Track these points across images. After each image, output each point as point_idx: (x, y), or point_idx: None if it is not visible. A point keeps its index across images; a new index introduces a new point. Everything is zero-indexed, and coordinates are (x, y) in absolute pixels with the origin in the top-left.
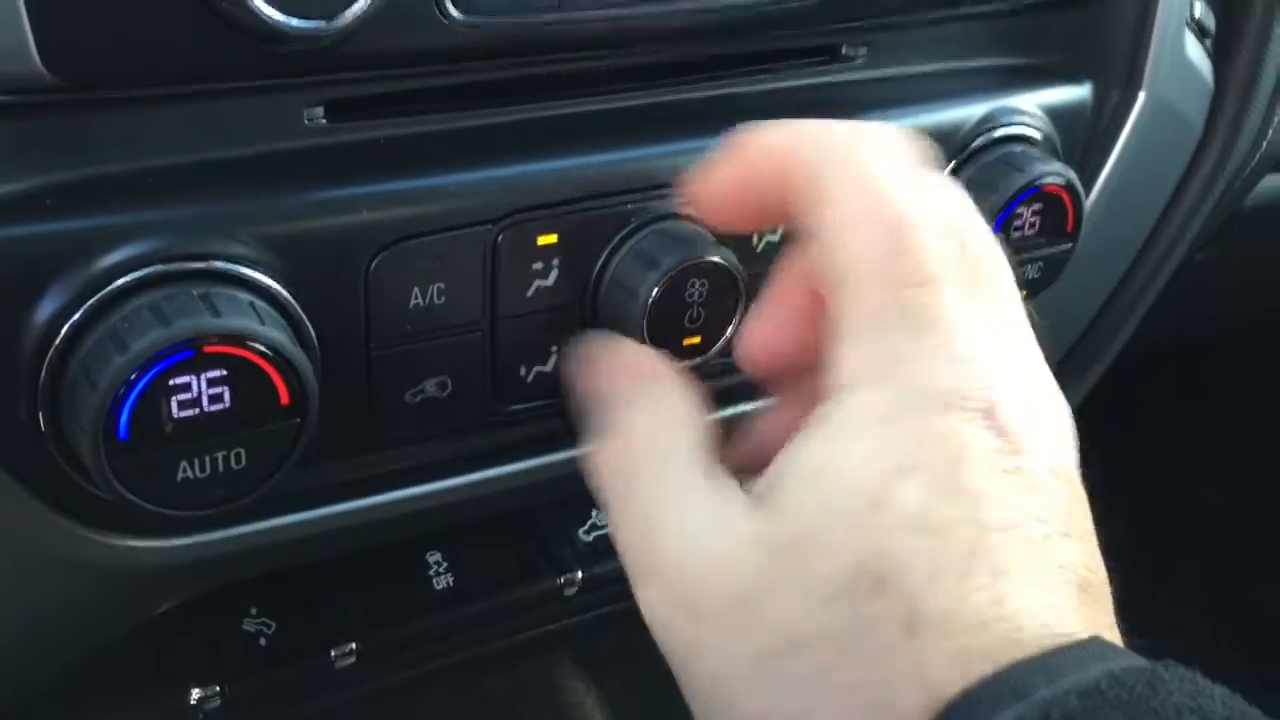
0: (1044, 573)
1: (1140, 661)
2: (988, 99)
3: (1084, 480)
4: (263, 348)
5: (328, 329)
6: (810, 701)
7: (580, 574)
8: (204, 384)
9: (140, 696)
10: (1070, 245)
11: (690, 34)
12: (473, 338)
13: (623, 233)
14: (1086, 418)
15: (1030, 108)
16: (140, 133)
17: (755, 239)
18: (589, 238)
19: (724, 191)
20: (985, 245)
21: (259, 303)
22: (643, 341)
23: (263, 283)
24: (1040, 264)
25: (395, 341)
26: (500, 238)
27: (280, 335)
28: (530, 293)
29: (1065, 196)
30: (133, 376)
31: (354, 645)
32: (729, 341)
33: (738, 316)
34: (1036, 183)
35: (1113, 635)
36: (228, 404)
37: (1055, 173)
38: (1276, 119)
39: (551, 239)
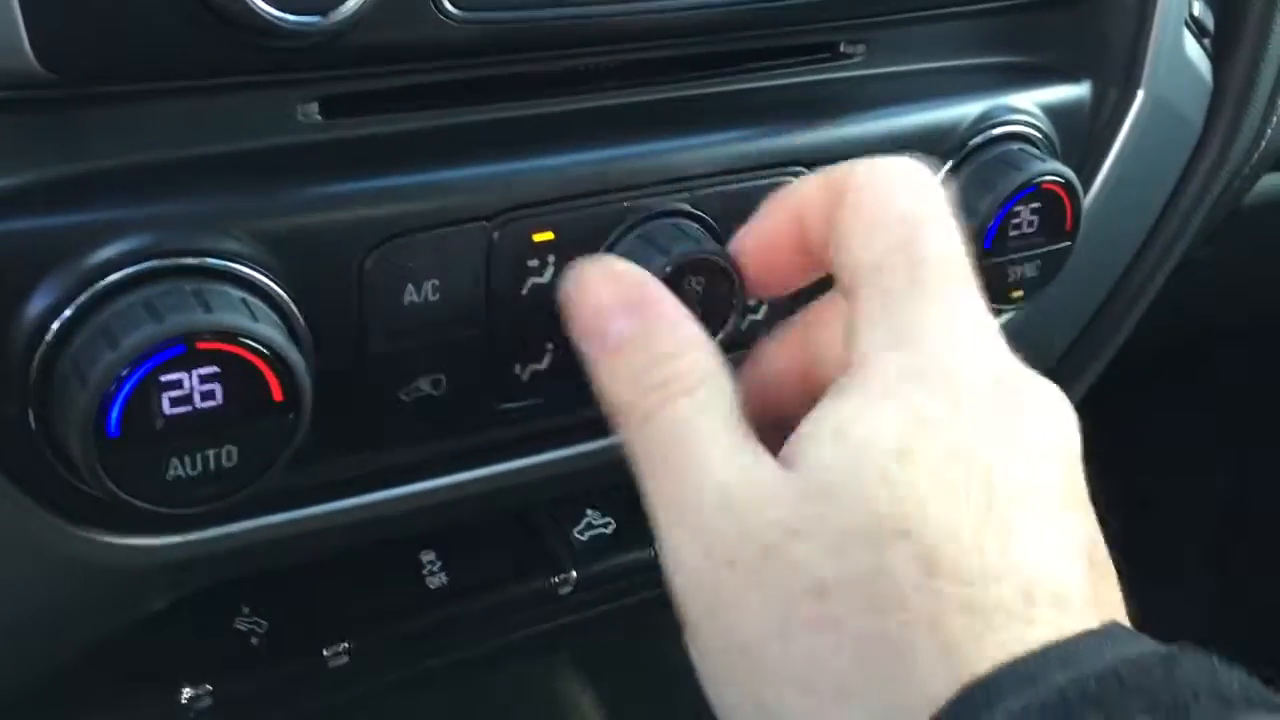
0: (1052, 536)
1: (1156, 645)
2: (986, 97)
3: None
4: (255, 344)
5: (321, 325)
6: (831, 650)
7: (575, 573)
8: (196, 380)
9: (131, 696)
10: (1069, 243)
11: (688, 31)
12: (468, 335)
13: (619, 229)
14: (1087, 415)
15: (1029, 106)
16: (133, 128)
17: None
18: (585, 235)
19: (765, 247)
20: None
21: (252, 299)
22: None
23: (256, 279)
24: (1039, 262)
25: (390, 338)
26: (496, 234)
27: (273, 332)
28: (526, 290)
29: (1063, 195)
30: (124, 373)
31: (346, 645)
32: (728, 336)
33: (735, 312)
34: (1034, 181)
35: (1120, 611)
36: (220, 401)
37: (1053, 171)
38: (1275, 118)
39: (548, 236)
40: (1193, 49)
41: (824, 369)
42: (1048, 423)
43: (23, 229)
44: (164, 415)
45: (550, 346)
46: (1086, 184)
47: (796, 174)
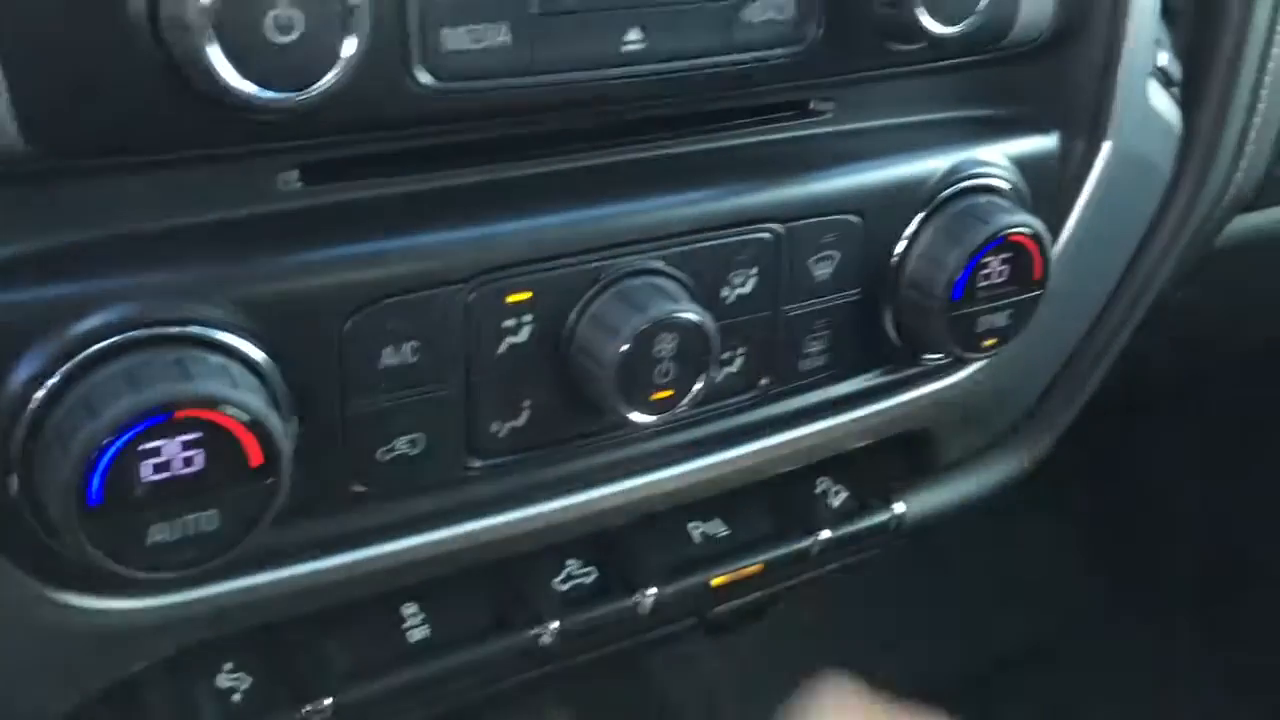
0: None
1: None
2: (955, 151)
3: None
4: (235, 411)
5: (302, 389)
6: None
7: (556, 624)
8: (177, 447)
9: None
10: (1039, 292)
11: (659, 94)
12: (446, 395)
13: (594, 289)
14: (1074, 452)
15: (997, 159)
16: (116, 200)
17: (727, 291)
18: (560, 295)
19: None
20: None
21: (233, 365)
22: (612, 396)
23: (237, 345)
24: (1009, 311)
25: (369, 400)
26: (473, 296)
27: (253, 398)
28: (502, 349)
29: (1032, 246)
30: (105, 442)
31: (329, 701)
32: (698, 395)
33: (708, 370)
34: (1002, 233)
35: None
36: (200, 467)
37: (1021, 223)
38: (1243, 162)
39: (523, 297)
40: (1160, 98)
41: None
42: None
43: (7, 301)
44: (145, 482)
45: (527, 404)
46: (1055, 233)
47: (770, 230)
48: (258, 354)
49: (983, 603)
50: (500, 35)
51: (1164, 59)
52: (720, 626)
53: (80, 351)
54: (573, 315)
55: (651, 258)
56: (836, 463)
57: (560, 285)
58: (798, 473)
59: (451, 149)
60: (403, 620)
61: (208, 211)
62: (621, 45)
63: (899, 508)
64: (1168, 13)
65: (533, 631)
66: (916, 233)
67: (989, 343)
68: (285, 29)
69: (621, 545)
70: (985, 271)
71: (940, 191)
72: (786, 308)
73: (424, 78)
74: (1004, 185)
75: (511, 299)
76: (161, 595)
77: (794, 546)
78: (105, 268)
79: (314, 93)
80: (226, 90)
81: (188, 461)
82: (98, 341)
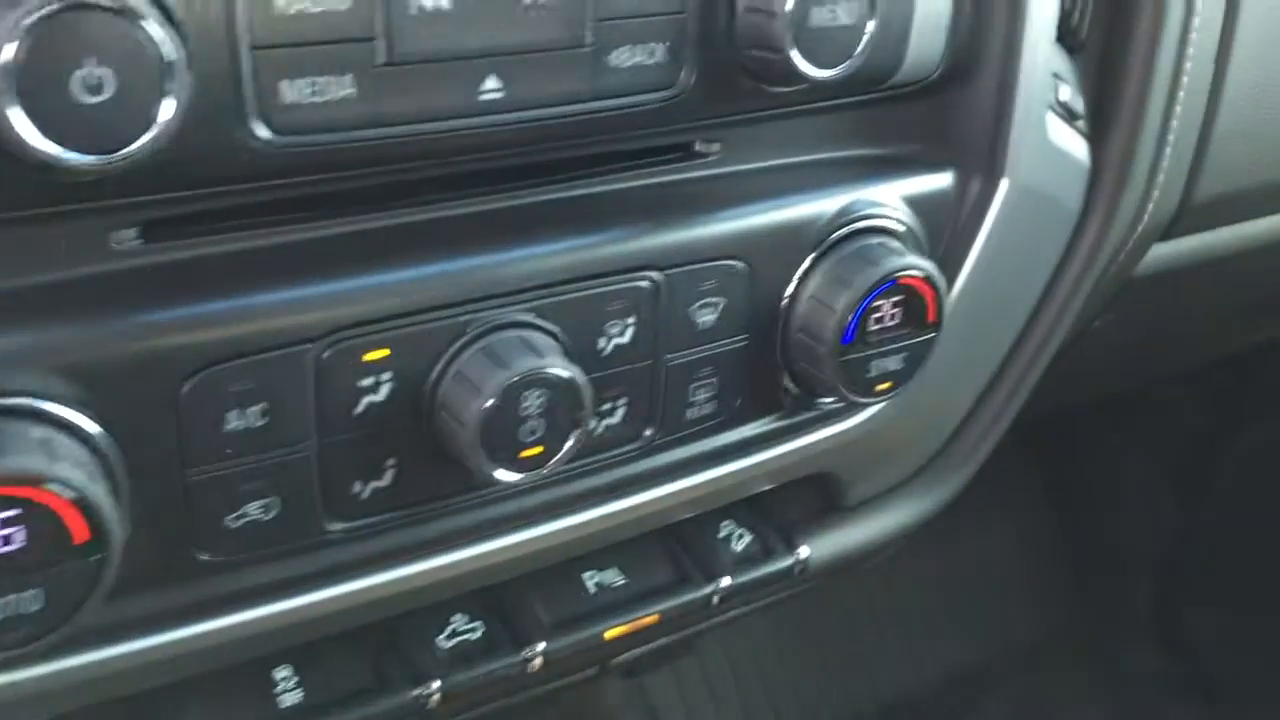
0: None
1: None
2: (846, 191)
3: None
4: (57, 487)
5: (139, 456)
6: None
7: (439, 683)
8: None
9: None
10: (933, 335)
11: (523, 142)
12: (298, 458)
13: (457, 345)
14: (1036, 470)
15: (890, 199)
16: None
17: (603, 342)
18: (421, 352)
19: None
20: None
21: (58, 437)
22: (476, 455)
23: (62, 416)
24: (903, 354)
25: (213, 466)
26: (326, 354)
27: (76, 473)
28: (360, 409)
29: (924, 288)
30: None
31: None
32: (577, 448)
33: (580, 427)
34: (893, 276)
35: None
36: (20, 545)
37: (912, 265)
38: (1156, 192)
39: (380, 354)
40: (1062, 133)
41: None
42: None
43: None
44: None
45: (391, 464)
46: (954, 272)
47: (648, 278)
48: (87, 423)
49: (935, 618)
50: (343, 88)
51: (1066, 93)
52: (634, 671)
53: None
54: (435, 372)
55: (521, 310)
56: (743, 505)
57: (420, 342)
58: (702, 516)
59: (303, 202)
60: (274, 684)
61: (35, 274)
62: (478, 95)
63: (804, 551)
64: (1071, 46)
65: (415, 692)
66: (806, 276)
67: (882, 387)
68: (94, 89)
69: (511, 598)
70: (877, 315)
71: (830, 233)
72: (669, 357)
73: (261, 132)
74: (897, 226)
75: (368, 357)
76: None
77: (693, 595)
78: None
79: (126, 155)
80: (26, 151)
81: (6, 540)
82: None
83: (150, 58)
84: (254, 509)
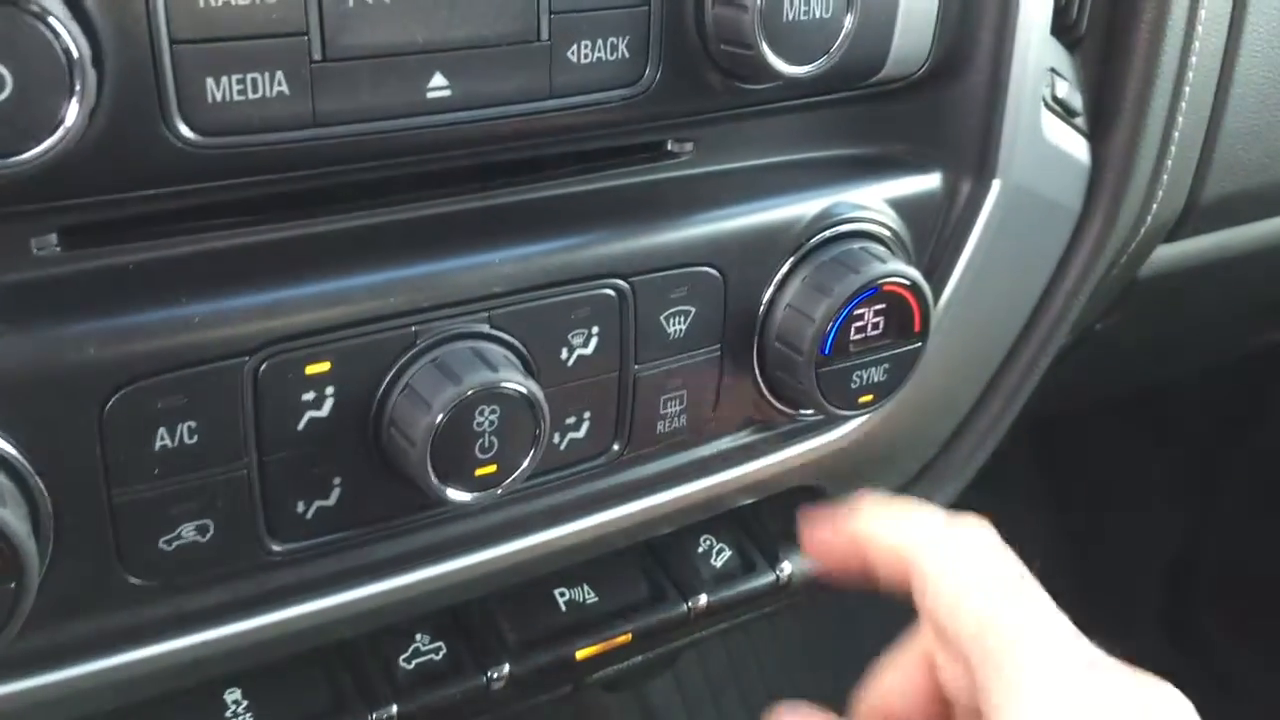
0: None
1: None
2: (826, 193)
3: (1034, 536)
4: None
5: (60, 478)
6: None
7: (397, 708)
8: None
9: None
10: (919, 345)
11: (474, 143)
12: (234, 477)
13: (406, 357)
14: (1042, 473)
15: (873, 201)
16: None
17: (565, 353)
18: (367, 365)
19: (830, 550)
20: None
21: None
22: (426, 473)
23: None
24: (887, 366)
25: (141, 487)
26: (263, 368)
27: None
28: (302, 425)
29: (909, 296)
30: None
31: None
32: (526, 470)
33: (537, 444)
34: (875, 283)
35: None
36: None
37: (895, 273)
38: (1160, 192)
39: (323, 367)
40: (1058, 132)
41: (959, 702)
42: None
43: None
44: None
45: (337, 482)
46: (943, 278)
47: (613, 286)
48: (1, 442)
49: None
50: (275, 85)
51: (1063, 89)
52: (614, 686)
53: None
54: (383, 386)
55: (475, 320)
56: (724, 519)
57: (366, 354)
58: (680, 530)
59: (238, 206)
60: (224, 709)
61: None
62: (426, 93)
63: (786, 567)
64: (1069, 39)
65: (372, 715)
66: (783, 283)
67: (864, 399)
68: None
69: (477, 617)
70: (858, 324)
71: (809, 238)
72: (637, 368)
73: (185, 132)
74: (880, 230)
75: (310, 371)
76: None
77: (668, 613)
78: None
79: (27, 160)
80: None
81: None
82: None
83: (53, 54)
84: (189, 530)
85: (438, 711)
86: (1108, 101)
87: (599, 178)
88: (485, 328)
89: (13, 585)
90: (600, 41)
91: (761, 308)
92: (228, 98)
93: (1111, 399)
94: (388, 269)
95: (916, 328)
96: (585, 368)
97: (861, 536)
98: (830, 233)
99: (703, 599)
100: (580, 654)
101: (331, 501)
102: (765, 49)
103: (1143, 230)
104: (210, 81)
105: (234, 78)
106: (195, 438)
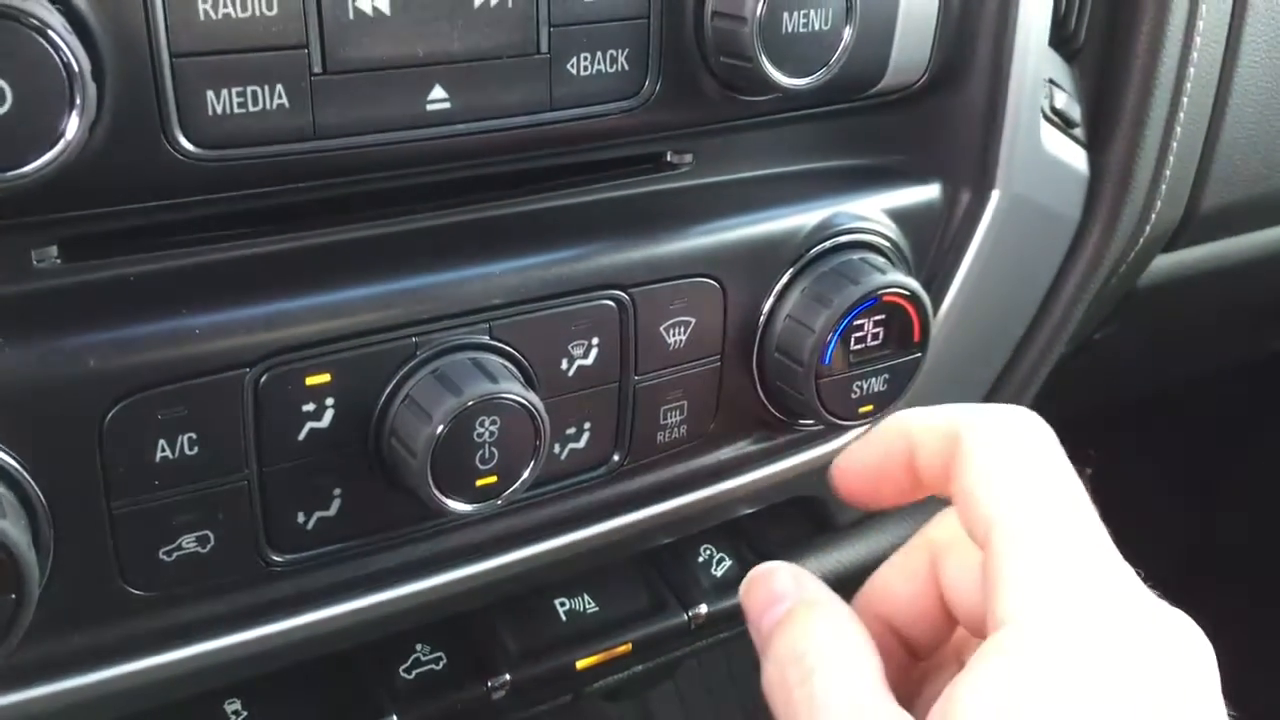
0: None
1: None
2: (825, 204)
3: None
4: None
5: (60, 490)
6: None
7: (397, 718)
8: None
9: None
10: (919, 355)
11: (474, 155)
12: (235, 488)
13: (406, 368)
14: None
15: (873, 212)
16: None
17: (565, 364)
18: (367, 376)
19: (863, 471)
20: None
21: None
22: (427, 484)
23: None
24: (887, 376)
25: (141, 498)
26: (263, 379)
27: None
28: (303, 436)
29: (908, 306)
30: None
31: None
32: (527, 481)
33: (538, 455)
34: (874, 294)
35: None
36: None
37: (894, 284)
38: (1159, 201)
39: (323, 379)
40: (1057, 142)
41: (959, 607)
42: (1190, 671)
43: None
44: None
45: (338, 493)
46: (943, 288)
47: (613, 297)
48: (3, 456)
49: None
50: (275, 98)
51: (1061, 99)
52: (615, 696)
53: None
54: (384, 397)
55: (475, 331)
56: (725, 528)
57: (366, 366)
58: (680, 540)
59: (238, 218)
60: (224, 719)
61: None
62: (425, 105)
63: None
64: (1067, 50)
65: None
66: (783, 293)
67: (865, 409)
68: None
69: (477, 627)
70: (858, 335)
71: (808, 248)
72: (637, 379)
73: (186, 144)
74: (880, 241)
75: (311, 381)
76: None
77: (668, 623)
78: None
79: (27, 173)
80: None
81: None
82: None
83: (53, 68)
84: (189, 541)
85: None
86: (1106, 112)
87: (599, 189)
88: (485, 339)
89: (13, 596)
90: (600, 54)
91: (761, 318)
92: (228, 110)
93: (1111, 408)
94: (388, 280)
95: (916, 338)
96: (585, 378)
97: (909, 424)
98: (830, 243)
99: (703, 609)
100: (580, 663)
101: (332, 512)
102: (764, 61)
103: (1141, 240)
104: (211, 94)
105: (234, 90)
106: (196, 449)
